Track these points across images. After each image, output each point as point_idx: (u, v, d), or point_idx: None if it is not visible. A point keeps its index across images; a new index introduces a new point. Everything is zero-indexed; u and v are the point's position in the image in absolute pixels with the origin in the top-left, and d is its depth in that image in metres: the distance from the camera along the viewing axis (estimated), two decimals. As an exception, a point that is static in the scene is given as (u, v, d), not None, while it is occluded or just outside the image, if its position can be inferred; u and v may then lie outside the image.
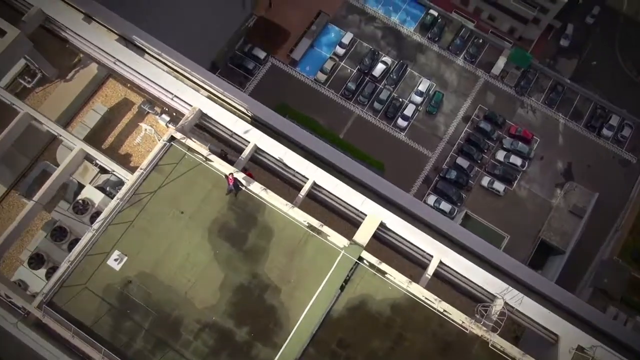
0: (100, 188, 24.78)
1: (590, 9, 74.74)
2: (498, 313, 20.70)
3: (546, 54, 72.88)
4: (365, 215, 22.25)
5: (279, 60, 67.20)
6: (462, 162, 62.88)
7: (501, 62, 69.23)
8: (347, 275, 21.11)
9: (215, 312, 20.75)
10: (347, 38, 68.10)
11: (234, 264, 21.25)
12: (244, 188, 21.49)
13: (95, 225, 20.94)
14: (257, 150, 23.07)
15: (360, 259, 21.21)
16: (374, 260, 21.05)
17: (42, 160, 26.30)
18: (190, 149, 22.04)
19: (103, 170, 25.27)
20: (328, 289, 20.80)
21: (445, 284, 23.02)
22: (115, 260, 20.89)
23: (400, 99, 66.05)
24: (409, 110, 64.82)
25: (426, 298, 20.76)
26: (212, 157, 21.85)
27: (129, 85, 27.19)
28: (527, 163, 63.98)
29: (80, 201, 24.13)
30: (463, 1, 75.50)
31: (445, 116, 67.02)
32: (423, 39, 70.43)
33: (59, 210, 24.33)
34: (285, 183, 23.68)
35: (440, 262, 21.76)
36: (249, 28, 68.57)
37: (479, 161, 63.48)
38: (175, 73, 24.24)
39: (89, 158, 24.78)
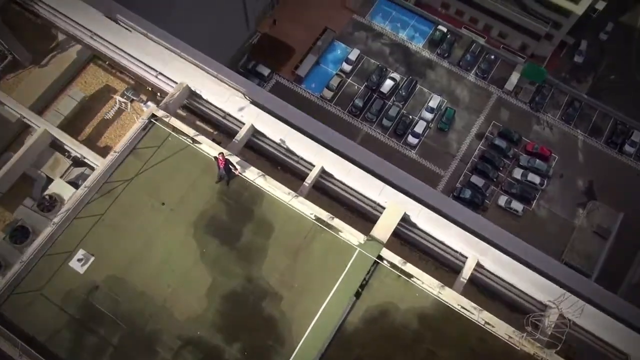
0: (73, 183, 21.10)
1: (603, 25, 72.68)
2: (553, 325, 16.50)
3: (560, 71, 70.36)
4: (384, 208, 18.42)
5: (284, 77, 64.93)
6: (477, 180, 59.21)
7: (514, 78, 66.57)
8: (364, 279, 17.11)
9: (200, 325, 16.73)
10: (353, 54, 65.91)
11: (225, 266, 17.37)
12: (237, 172, 17.83)
13: (57, 219, 17.21)
14: (254, 133, 19.49)
15: (380, 258, 17.28)
16: (396, 259, 17.08)
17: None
18: (175, 129, 18.52)
19: (77, 163, 21.70)
20: (341, 295, 16.81)
21: (481, 291, 18.87)
22: (79, 260, 17.07)
23: (410, 116, 63.13)
24: (419, 127, 61.74)
25: (462, 307, 16.68)
26: (201, 138, 18.28)
27: (111, 69, 23.94)
28: (546, 181, 60.28)
29: (47, 197, 20.41)
30: (472, 19, 73.61)
31: (458, 133, 63.84)
32: (432, 55, 68.14)
33: (23, 209, 20.61)
34: (287, 173, 19.95)
35: (478, 264, 17.73)
36: (252, 45, 66.74)
37: (495, 179, 59.80)
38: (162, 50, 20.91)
39: (60, 148, 21.33)
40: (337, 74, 64.60)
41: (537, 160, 60.50)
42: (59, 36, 24.67)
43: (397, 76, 64.93)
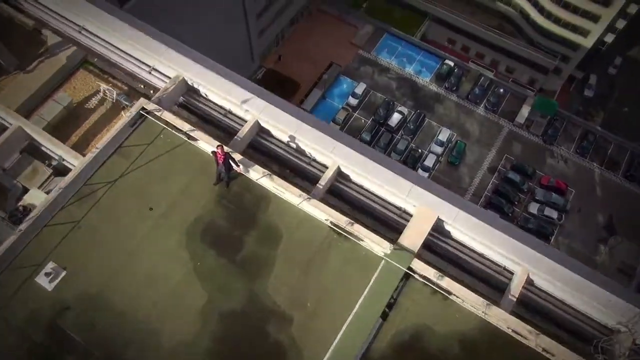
0: (52, 194, 18.44)
1: (612, 60, 71.92)
2: (627, 353, 13.28)
3: (571, 104, 68.96)
4: (411, 215, 15.60)
5: (288, 111, 63.15)
6: (492, 215, 56.04)
7: (525, 111, 64.96)
8: (392, 296, 14.07)
9: (192, 352, 13.58)
10: (360, 88, 64.73)
11: (223, 281, 14.41)
12: (238, 170, 15.16)
13: (24, 226, 14.44)
14: (259, 130, 16.96)
15: (411, 270, 14.28)
16: (430, 272, 14.09)
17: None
18: (168, 124, 16.04)
19: (58, 172, 19.12)
20: (364, 316, 13.73)
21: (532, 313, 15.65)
22: (47, 275, 14.15)
23: (420, 150, 61.05)
24: (429, 161, 59.46)
25: (515, 331, 13.54)
26: (197, 133, 15.75)
27: (102, 75, 21.79)
28: (563, 216, 57.24)
29: (21, 208, 17.72)
30: (478, 54, 73.07)
31: (469, 167, 61.49)
32: (440, 89, 66.90)
33: (-8, 222, 17.90)
34: (297, 176, 17.18)
35: (528, 280, 14.68)
36: (257, 80, 65.72)
37: (510, 214, 56.79)
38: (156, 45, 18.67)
39: (40, 155, 18.89)
40: (343, 108, 63.14)
41: (554, 194, 57.83)
42: (49, 40, 22.77)
43: (404, 110, 63.37)
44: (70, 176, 15.08)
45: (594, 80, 69.80)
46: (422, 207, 14.96)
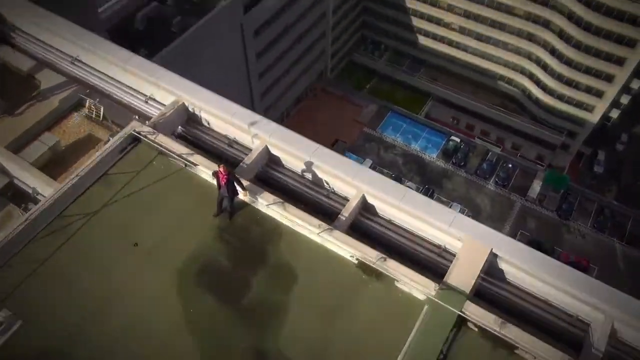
0: (24, 241, 15.67)
1: (618, 136, 71.84)
2: None
3: (581, 180, 67.55)
4: (453, 254, 12.71)
5: (293, 187, 61.41)
6: (513, 294, 52.07)
7: (537, 185, 63.50)
8: (441, 351, 10.78)
9: None
10: (366, 165, 63.63)
11: (223, 334, 11.22)
12: (244, 195, 12.51)
13: (-24, 264, 11.57)
14: (269, 160, 14.57)
15: (465, 315, 11.12)
16: (490, 319, 10.92)
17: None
18: (163, 147, 13.69)
19: (34, 216, 16.50)
20: (406, 378, 10.39)
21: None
22: (-2, 325, 11.03)
23: (430, 225, 58.27)
24: (441, 237, 56.35)
25: (608, 396, 10.15)
26: (196, 158, 13.34)
27: (96, 118, 19.97)
28: (590, 295, 52.99)
29: (-17, 255, 14.90)
30: (483, 132, 73.00)
31: (483, 243, 58.33)
32: (447, 164, 66.04)
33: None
34: (315, 211, 14.44)
35: (613, 334, 11.44)
36: (260, 156, 64.50)
37: (532, 293, 52.60)
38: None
39: (16, 197, 16.44)
40: (349, 184, 61.62)
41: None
42: (42, 85, 21.24)
43: (412, 185, 61.88)
44: (40, 206, 12.44)
45: (602, 156, 68.95)
46: (470, 239, 12.13)
